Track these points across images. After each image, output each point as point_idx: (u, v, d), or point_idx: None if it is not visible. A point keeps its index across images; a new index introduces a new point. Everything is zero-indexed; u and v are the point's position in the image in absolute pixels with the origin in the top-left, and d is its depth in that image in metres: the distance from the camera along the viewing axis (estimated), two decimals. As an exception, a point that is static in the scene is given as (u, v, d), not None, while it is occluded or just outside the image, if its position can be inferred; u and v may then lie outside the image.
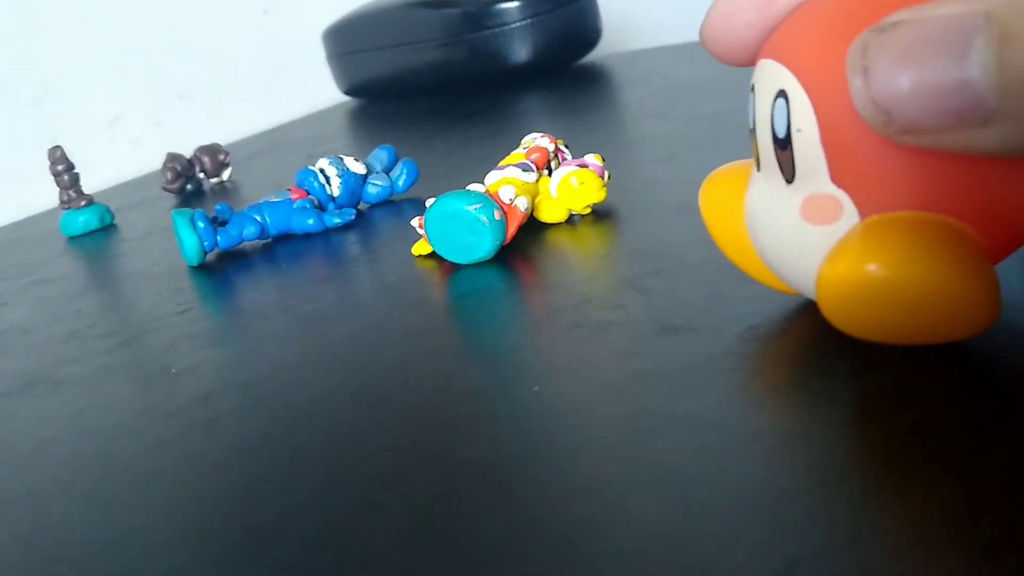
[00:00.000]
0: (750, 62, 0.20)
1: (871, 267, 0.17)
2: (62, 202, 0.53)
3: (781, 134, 0.18)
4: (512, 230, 0.31)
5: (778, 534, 0.14)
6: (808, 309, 0.22)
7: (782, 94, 0.18)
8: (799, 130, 0.18)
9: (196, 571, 0.17)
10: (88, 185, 0.56)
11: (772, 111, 0.19)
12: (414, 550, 0.16)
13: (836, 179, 0.18)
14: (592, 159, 0.34)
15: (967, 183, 0.17)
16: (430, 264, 0.32)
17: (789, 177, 0.19)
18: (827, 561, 0.14)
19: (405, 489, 0.18)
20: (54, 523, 0.20)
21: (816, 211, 0.18)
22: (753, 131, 0.20)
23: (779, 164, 0.19)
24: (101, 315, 0.35)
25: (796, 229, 0.19)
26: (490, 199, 0.30)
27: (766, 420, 0.18)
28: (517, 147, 0.37)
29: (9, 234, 0.57)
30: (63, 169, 0.53)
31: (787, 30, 0.19)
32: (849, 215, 0.18)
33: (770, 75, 0.19)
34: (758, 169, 0.20)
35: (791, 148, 0.18)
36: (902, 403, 0.17)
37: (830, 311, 0.18)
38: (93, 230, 0.52)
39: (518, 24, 0.68)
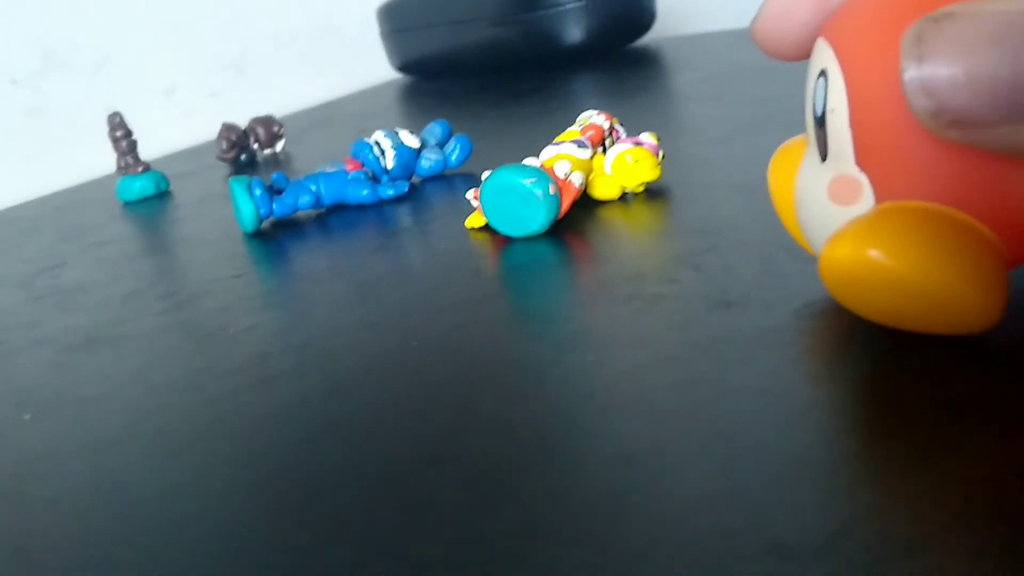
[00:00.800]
0: (804, 57, 0.20)
1: (872, 252, 0.17)
2: (119, 168, 0.54)
3: (819, 112, 0.19)
4: (566, 205, 0.31)
5: (830, 499, 0.15)
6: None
7: (823, 73, 0.18)
8: (832, 110, 0.18)
9: (254, 518, 0.18)
10: (144, 152, 0.57)
11: (814, 89, 0.19)
12: (467, 505, 0.17)
13: (860, 161, 0.18)
14: (647, 137, 0.34)
15: (989, 183, 0.17)
16: (483, 236, 0.32)
17: (823, 155, 0.19)
18: (879, 524, 0.14)
19: (459, 447, 0.19)
20: (116, 470, 0.21)
21: (840, 191, 0.18)
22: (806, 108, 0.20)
23: (816, 142, 0.19)
24: (158, 277, 0.36)
25: (823, 207, 0.19)
26: (545, 173, 0.31)
27: (817, 392, 0.18)
28: (571, 124, 0.37)
29: (68, 197, 0.58)
30: (121, 135, 0.54)
31: (838, 13, 0.19)
32: (867, 198, 0.18)
33: (818, 53, 0.19)
34: (809, 145, 0.20)
35: (826, 127, 0.18)
36: (951, 377, 0.17)
37: (831, 289, 0.18)
38: (149, 196, 0.53)
39: (573, 5, 0.68)
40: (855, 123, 0.18)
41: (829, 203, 0.19)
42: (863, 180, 0.18)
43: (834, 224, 0.18)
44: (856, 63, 0.18)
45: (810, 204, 0.20)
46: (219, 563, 0.17)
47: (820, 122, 0.19)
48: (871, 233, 0.17)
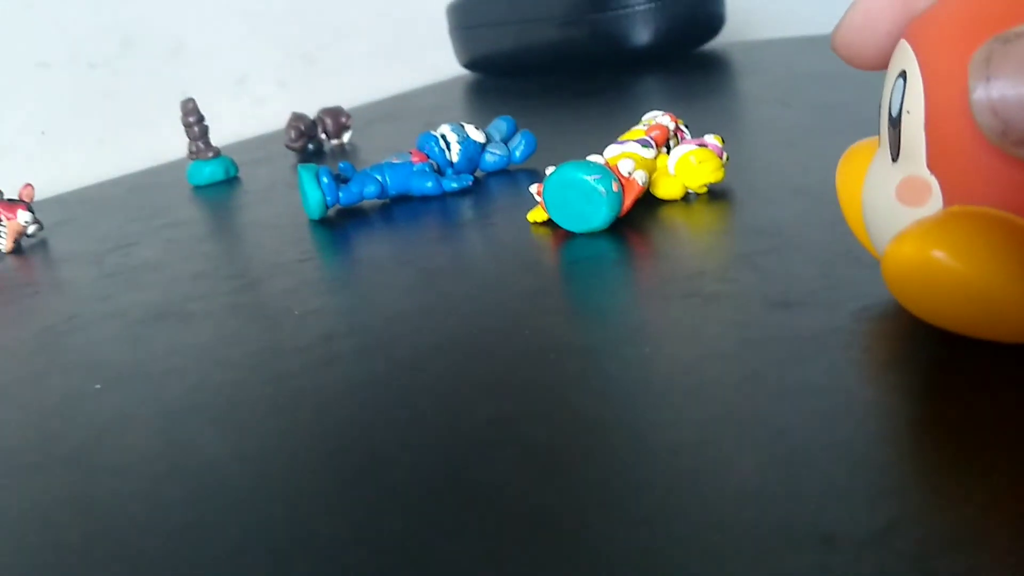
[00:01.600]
0: (884, 66, 0.21)
1: (937, 253, 0.17)
2: (190, 152, 0.55)
3: (894, 113, 0.19)
4: (628, 203, 0.32)
5: (880, 495, 0.15)
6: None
7: (903, 74, 0.18)
8: (908, 111, 0.18)
9: (317, 490, 0.18)
10: (215, 138, 0.58)
11: (892, 89, 0.19)
12: (522, 486, 0.17)
13: (931, 164, 0.18)
14: (711, 139, 0.34)
15: None
16: (544, 231, 0.33)
17: (895, 156, 0.19)
18: (925, 524, 0.14)
19: (517, 429, 0.19)
20: (183, 440, 0.22)
21: (908, 192, 0.18)
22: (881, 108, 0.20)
23: (889, 142, 0.19)
24: (226, 258, 0.37)
25: (890, 207, 0.19)
26: (609, 171, 0.31)
27: (873, 393, 0.18)
28: (636, 124, 0.38)
29: (140, 180, 0.60)
30: (194, 121, 0.55)
31: (924, 16, 0.19)
32: (935, 200, 0.18)
33: (900, 55, 0.19)
34: (880, 146, 0.20)
35: (900, 128, 0.19)
36: (1004, 384, 0.17)
37: (892, 287, 0.18)
38: (218, 181, 0.55)
39: (643, 7, 0.68)
40: (930, 126, 0.18)
41: (896, 203, 0.19)
42: (933, 182, 0.18)
43: (900, 224, 0.19)
44: (936, 68, 0.18)
45: (877, 203, 0.20)
46: (281, 531, 0.17)
47: (895, 122, 0.19)
48: (937, 234, 0.17)
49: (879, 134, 0.21)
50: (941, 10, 0.19)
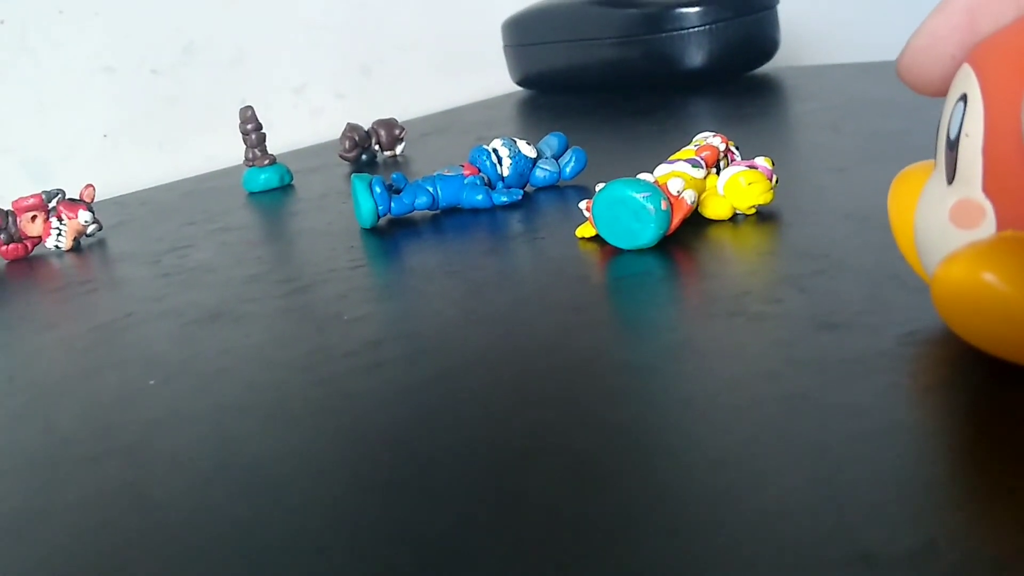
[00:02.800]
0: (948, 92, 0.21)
1: (987, 276, 0.17)
2: (247, 159, 0.57)
3: (953, 135, 0.19)
4: (676, 221, 0.32)
5: (917, 518, 0.15)
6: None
7: (963, 98, 0.19)
8: (967, 135, 0.18)
9: (362, 489, 0.19)
10: (271, 146, 0.59)
11: (952, 112, 0.19)
12: (563, 495, 0.17)
13: (987, 188, 0.18)
14: (762, 161, 0.34)
15: None
16: (592, 247, 0.33)
17: (950, 178, 0.19)
18: (964, 546, 0.14)
19: (557, 442, 0.19)
20: (234, 436, 0.22)
21: (962, 215, 0.19)
22: (937, 130, 0.20)
23: (946, 164, 0.19)
24: (279, 263, 0.38)
25: (943, 229, 0.19)
26: (658, 189, 0.31)
27: (916, 415, 0.18)
28: (687, 144, 0.38)
29: (197, 184, 0.61)
30: (252, 128, 0.56)
31: (989, 41, 0.19)
32: (988, 224, 0.18)
33: (962, 78, 0.19)
34: (936, 168, 0.20)
35: (957, 150, 0.19)
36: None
37: (941, 309, 0.18)
38: (273, 188, 0.56)
39: (697, 29, 0.68)
40: (988, 150, 0.18)
41: (949, 225, 0.19)
42: (987, 206, 0.18)
43: (951, 246, 0.19)
44: (998, 92, 0.18)
45: (929, 225, 0.20)
46: (326, 528, 0.18)
47: (952, 145, 0.19)
48: (988, 257, 0.17)
49: (935, 156, 0.21)
50: (1004, 36, 0.19)
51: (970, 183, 0.18)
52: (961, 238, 0.19)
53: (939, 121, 0.20)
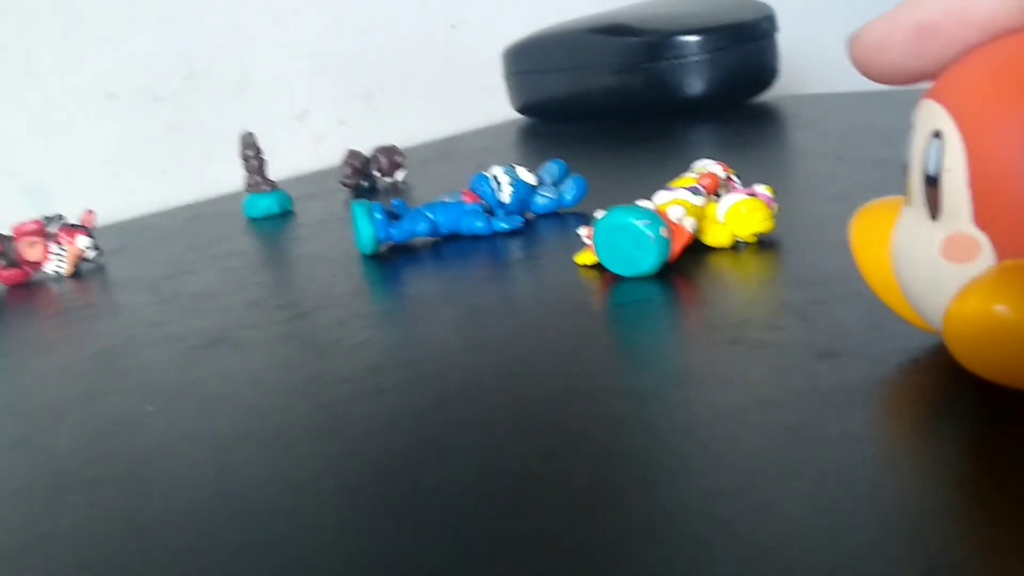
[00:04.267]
0: (893, 82, 0.21)
1: (999, 307, 0.17)
2: (248, 185, 0.57)
3: (932, 172, 0.19)
4: (677, 249, 0.32)
5: (919, 546, 0.15)
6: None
7: (938, 134, 0.19)
8: (948, 170, 0.18)
9: (362, 518, 0.19)
10: (272, 172, 0.59)
11: (927, 149, 0.19)
12: (563, 524, 0.17)
13: (978, 221, 0.18)
14: (762, 189, 0.34)
15: None
16: (592, 274, 0.33)
17: (934, 214, 0.19)
18: (966, 574, 0.14)
19: (558, 469, 0.19)
20: (232, 464, 0.22)
21: (955, 249, 0.19)
22: (908, 165, 0.20)
23: (926, 201, 0.19)
24: (279, 289, 0.38)
25: (934, 265, 0.19)
26: (658, 216, 0.31)
27: (917, 445, 0.18)
28: (687, 172, 0.38)
29: (198, 210, 0.61)
30: (253, 154, 0.56)
31: (951, 74, 0.19)
32: (986, 256, 0.18)
33: (929, 114, 0.19)
34: (909, 204, 0.20)
35: (939, 186, 0.19)
36: (1061, 446, 0.17)
37: (955, 346, 0.18)
38: (273, 214, 0.56)
39: (697, 58, 0.69)
40: (974, 184, 0.18)
41: (942, 261, 0.19)
42: (982, 239, 0.18)
43: (948, 281, 0.19)
44: (975, 125, 0.18)
45: (917, 262, 0.20)
46: (324, 557, 0.18)
47: (932, 181, 0.19)
48: (999, 288, 0.17)
49: (905, 192, 0.21)
50: (967, 70, 0.19)
51: (958, 217, 0.18)
52: (957, 272, 0.19)
53: (907, 157, 0.20)
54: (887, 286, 0.22)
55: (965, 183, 0.18)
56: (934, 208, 0.19)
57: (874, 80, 0.21)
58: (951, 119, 0.18)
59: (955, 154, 0.18)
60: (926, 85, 0.21)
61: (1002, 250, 0.18)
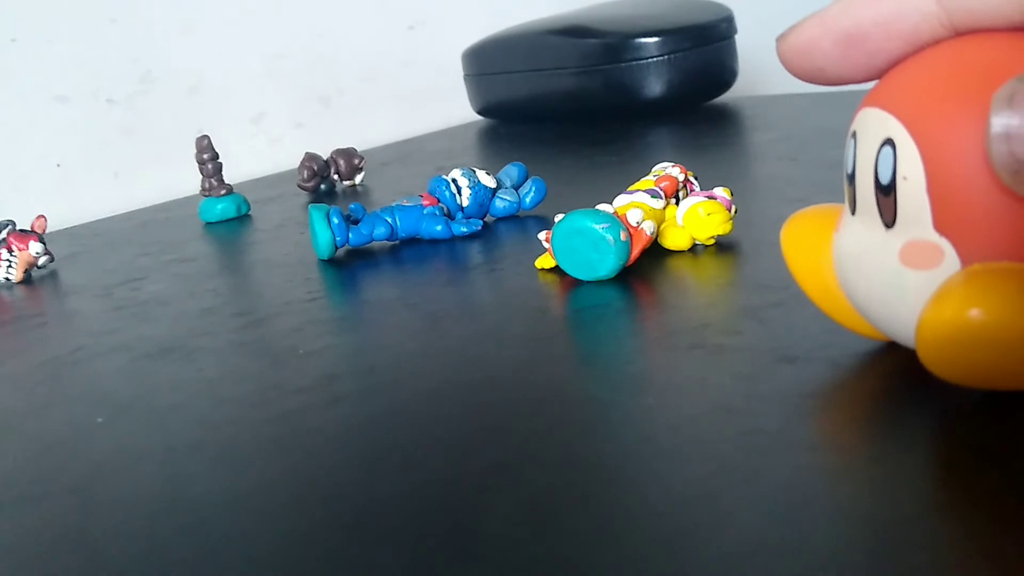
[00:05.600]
0: (828, 84, 0.21)
1: (974, 312, 0.17)
2: (203, 189, 0.56)
3: (885, 180, 0.19)
4: (636, 252, 0.32)
5: (879, 558, 0.15)
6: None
7: (889, 142, 0.18)
8: (905, 178, 0.18)
9: (317, 533, 0.18)
10: (228, 176, 0.58)
11: (877, 158, 0.19)
12: (522, 534, 0.17)
13: (939, 227, 0.18)
14: (720, 192, 0.34)
15: None
16: (552, 278, 0.33)
17: (889, 222, 0.19)
18: (931, 587, 0.14)
19: (516, 478, 0.19)
20: (183, 477, 0.22)
21: (916, 256, 0.18)
22: (852, 176, 0.20)
23: (879, 209, 0.19)
24: (234, 295, 0.37)
25: (894, 273, 0.19)
26: (617, 220, 0.31)
27: (878, 451, 0.18)
28: (647, 174, 0.38)
29: (153, 214, 0.60)
30: (208, 158, 0.56)
31: (895, 82, 0.19)
32: (950, 262, 0.18)
33: (876, 123, 0.19)
34: (853, 213, 0.20)
35: (894, 194, 0.19)
36: (1014, 448, 0.17)
37: (930, 355, 0.18)
38: (230, 218, 0.55)
39: (655, 59, 0.69)
40: (933, 191, 0.18)
41: (902, 268, 0.19)
42: (944, 244, 0.18)
43: (910, 289, 0.19)
44: (930, 132, 0.18)
45: (871, 271, 0.20)
46: (275, 569, 0.17)
47: (887, 190, 0.19)
48: (973, 293, 0.17)
49: (847, 202, 0.21)
50: (914, 77, 0.19)
51: (917, 224, 0.18)
52: (921, 279, 0.18)
53: (848, 167, 0.20)
54: (826, 294, 0.22)
55: (924, 190, 0.18)
56: (890, 216, 0.19)
57: (802, 80, 0.21)
58: (903, 127, 0.18)
59: (911, 162, 0.18)
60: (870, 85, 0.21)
61: (966, 255, 0.18)
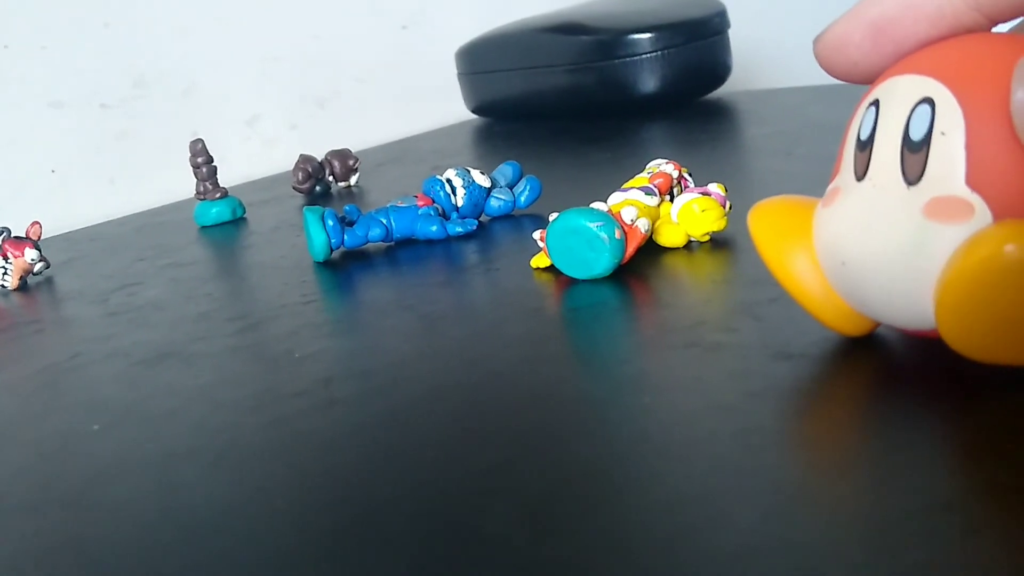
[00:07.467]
0: (856, 81, 0.22)
1: (1009, 247, 0.17)
2: (198, 193, 0.56)
3: (918, 136, 0.19)
4: (631, 250, 0.32)
5: (879, 555, 0.15)
6: (926, 348, 0.22)
7: (926, 101, 0.19)
8: (943, 133, 0.19)
9: (314, 537, 0.18)
10: (223, 179, 0.58)
11: (909, 116, 0.19)
12: (520, 537, 0.17)
13: (972, 182, 0.18)
14: (715, 188, 0.34)
15: None
16: (547, 277, 0.33)
17: (914, 179, 0.19)
18: (928, 583, 0.14)
19: (514, 480, 0.19)
20: (180, 484, 0.22)
21: (945, 210, 0.18)
22: (866, 141, 0.20)
23: (903, 168, 0.19)
24: (230, 299, 0.37)
25: (917, 228, 0.19)
26: (612, 218, 0.31)
27: (876, 447, 0.18)
28: (641, 172, 0.38)
29: (148, 219, 0.60)
30: (202, 161, 0.55)
31: (930, 54, 0.20)
32: (981, 216, 0.18)
33: (910, 87, 0.19)
34: (860, 179, 0.20)
35: (926, 150, 0.19)
36: (1017, 444, 0.17)
37: (958, 305, 0.18)
38: (225, 221, 0.55)
39: (649, 55, 0.68)
40: (971, 146, 0.18)
41: (927, 222, 0.19)
42: (974, 199, 0.18)
43: (935, 242, 0.18)
44: (974, 90, 0.18)
45: (887, 229, 0.19)
46: (274, 575, 0.17)
47: (917, 147, 0.19)
48: (1007, 233, 0.17)
49: (852, 172, 0.21)
50: (954, 48, 0.19)
51: (948, 180, 0.19)
52: (949, 232, 0.18)
53: (863, 132, 0.20)
54: (795, 281, 0.22)
55: (962, 145, 0.18)
56: (915, 172, 0.19)
57: (838, 78, 0.22)
58: (943, 86, 0.19)
59: (952, 117, 0.18)
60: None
61: (998, 210, 0.18)
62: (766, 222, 0.23)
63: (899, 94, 0.20)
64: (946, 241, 0.18)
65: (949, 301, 0.18)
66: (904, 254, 0.19)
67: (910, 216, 0.19)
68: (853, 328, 0.22)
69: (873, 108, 0.20)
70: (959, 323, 0.18)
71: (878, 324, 0.22)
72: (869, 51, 0.21)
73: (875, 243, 0.20)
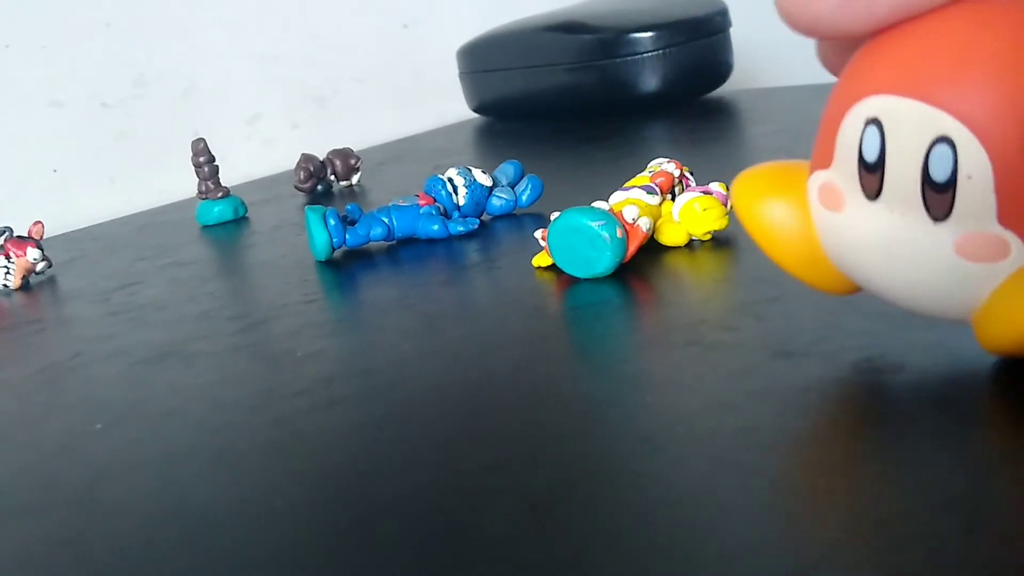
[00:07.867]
0: (825, 38, 0.21)
1: None
2: (200, 192, 0.56)
3: (942, 179, 0.18)
4: (632, 249, 0.32)
5: (878, 554, 0.15)
6: (926, 347, 0.22)
7: (944, 140, 0.18)
8: (970, 177, 0.18)
9: (315, 537, 0.18)
10: (225, 178, 0.58)
11: (927, 155, 0.18)
12: (522, 535, 0.17)
13: (1004, 220, 0.18)
14: (716, 187, 0.34)
15: None
16: (549, 276, 0.33)
17: (940, 216, 0.18)
18: (929, 583, 0.14)
19: (516, 479, 0.19)
20: (182, 483, 0.22)
21: (979, 249, 0.18)
22: (876, 165, 0.19)
23: (926, 204, 0.19)
24: (231, 298, 0.37)
25: (951, 265, 0.19)
26: (613, 217, 0.31)
27: (875, 447, 0.18)
28: (642, 170, 0.38)
29: (150, 218, 0.60)
30: (204, 161, 0.55)
31: (929, 72, 0.18)
32: (1018, 254, 0.18)
33: (919, 118, 0.18)
34: (872, 199, 0.20)
35: (953, 191, 0.18)
36: (1017, 442, 0.17)
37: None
38: (227, 220, 0.55)
39: (650, 54, 0.68)
40: (1001, 188, 0.18)
41: (959, 260, 0.18)
42: (1009, 237, 0.18)
43: (971, 279, 0.19)
44: (995, 130, 0.18)
45: (916, 261, 0.19)
46: (275, 574, 0.17)
47: (943, 188, 0.18)
48: None
49: (865, 188, 0.20)
50: (956, 65, 0.18)
51: (979, 218, 0.18)
52: (984, 270, 0.18)
53: (868, 153, 0.19)
54: (780, 248, 0.22)
55: (991, 188, 0.18)
56: (942, 210, 0.18)
57: (798, 32, 0.20)
58: (962, 125, 0.18)
59: (977, 161, 0.18)
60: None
61: None
62: (747, 185, 0.23)
63: (908, 126, 0.19)
64: (984, 278, 0.18)
65: (1011, 336, 0.18)
66: (936, 290, 0.19)
67: (941, 254, 0.19)
68: (839, 288, 0.22)
69: (875, 128, 0.19)
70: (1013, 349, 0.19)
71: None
72: (836, 7, 0.19)
73: (903, 274, 0.20)
